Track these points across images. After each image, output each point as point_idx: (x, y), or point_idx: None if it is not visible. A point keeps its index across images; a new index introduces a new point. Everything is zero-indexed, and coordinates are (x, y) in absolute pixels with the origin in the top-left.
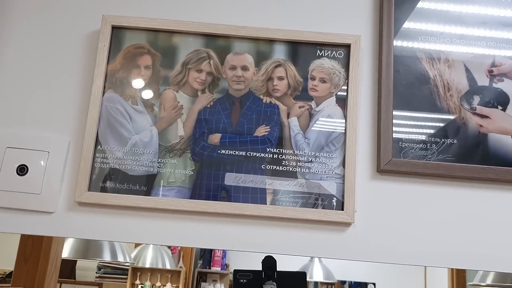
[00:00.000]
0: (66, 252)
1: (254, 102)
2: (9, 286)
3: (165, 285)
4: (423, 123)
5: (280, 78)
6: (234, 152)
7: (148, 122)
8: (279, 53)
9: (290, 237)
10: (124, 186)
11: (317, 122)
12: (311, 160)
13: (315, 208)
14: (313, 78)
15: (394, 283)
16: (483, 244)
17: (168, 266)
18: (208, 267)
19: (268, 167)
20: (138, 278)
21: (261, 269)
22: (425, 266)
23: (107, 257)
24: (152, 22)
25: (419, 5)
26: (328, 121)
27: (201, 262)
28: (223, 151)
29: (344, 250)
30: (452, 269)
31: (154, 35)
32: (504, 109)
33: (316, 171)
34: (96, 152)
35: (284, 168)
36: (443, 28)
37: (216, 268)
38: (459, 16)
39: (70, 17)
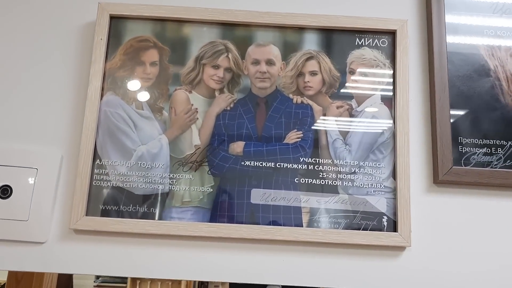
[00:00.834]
0: None
1: (282, 103)
2: None
3: None
4: (485, 123)
5: (313, 73)
6: (261, 164)
7: (156, 129)
8: (311, 43)
9: (333, 266)
10: (129, 209)
11: (359, 124)
12: (354, 171)
13: (362, 229)
14: (352, 72)
15: None
16: None
17: None
18: None
19: (302, 180)
20: (138, 287)
21: None
22: None
23: None
24: (158, 10)
25: None
26: (372, 123)
27: None
28: (247, 163)
29: (399, 280)
30: None
31: (160, 25)
32: None
33: (361, 185)
34: (94, 167)
35: (322, 182)
36: (503, 6)
37: None
38: None
39: (60, 5)
